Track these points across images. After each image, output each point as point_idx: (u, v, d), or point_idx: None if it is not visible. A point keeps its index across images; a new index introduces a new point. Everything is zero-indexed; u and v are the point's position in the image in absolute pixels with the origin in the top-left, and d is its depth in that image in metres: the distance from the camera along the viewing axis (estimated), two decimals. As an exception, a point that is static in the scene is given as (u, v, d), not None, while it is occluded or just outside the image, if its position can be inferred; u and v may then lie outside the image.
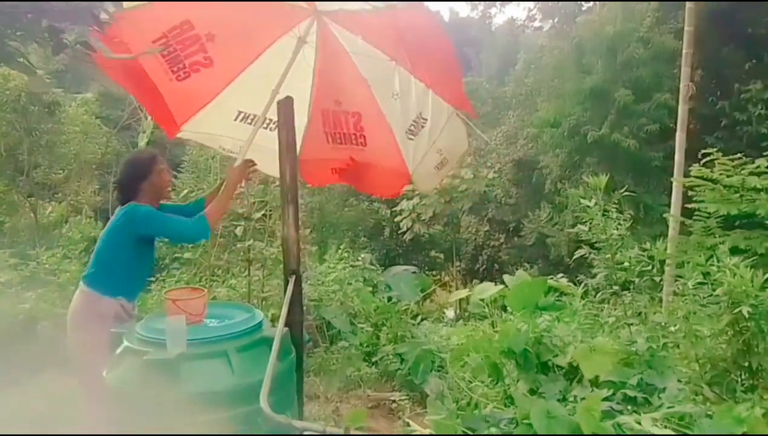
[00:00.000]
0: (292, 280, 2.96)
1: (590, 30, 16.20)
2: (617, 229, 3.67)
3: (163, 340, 2.23)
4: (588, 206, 3.58)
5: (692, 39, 7.40)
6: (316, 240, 13.01)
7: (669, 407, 2.72)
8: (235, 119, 3.87)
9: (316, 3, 3.51)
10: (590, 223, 3.59)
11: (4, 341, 4.88)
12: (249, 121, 3.82)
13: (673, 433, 2.13)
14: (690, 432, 2.21)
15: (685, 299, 4.64)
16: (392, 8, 3.37)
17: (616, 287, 3.81)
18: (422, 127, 3.84)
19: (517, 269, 14.79)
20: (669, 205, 9.35)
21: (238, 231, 6.28)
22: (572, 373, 3.91)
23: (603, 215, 3.60)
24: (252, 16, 3.41)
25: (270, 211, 6.42)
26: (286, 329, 2.63)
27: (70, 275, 6.04)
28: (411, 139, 3.93)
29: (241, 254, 6.40)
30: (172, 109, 3.66)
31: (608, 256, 3.69)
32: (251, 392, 2.12)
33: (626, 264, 3.86)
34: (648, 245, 3.88)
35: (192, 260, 6.54)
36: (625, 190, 3.67)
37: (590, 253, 3.83)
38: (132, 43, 3.15)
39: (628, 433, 2.06)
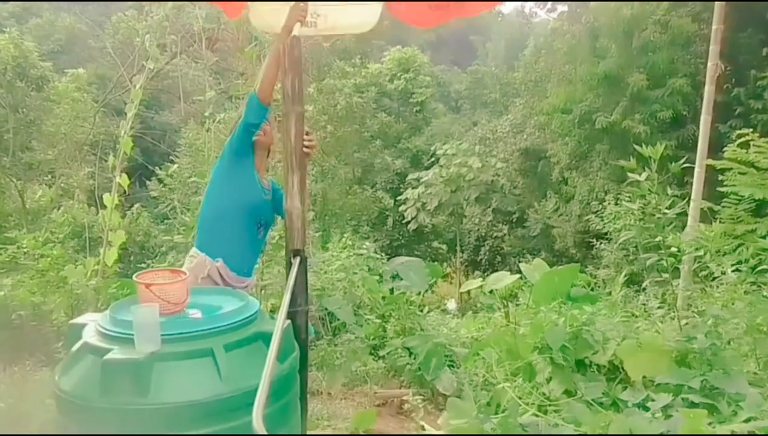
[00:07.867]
0: (296, 262, 2.42)
1: (605, 13, 15.72)
2: (669, 208, 3.19)
3: (131, 335, 1.73)
4: (638, 181, 3.08)
5: (722, 14, 6.82)
6: (318, 228, 12.59)
7: (748, 420, 2.25)
8: None
9: None
10: (642, 199, 3.08)
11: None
12: None
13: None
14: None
15: (725, 289, 4.16)
16: None
17: (665, 275, 3.32)
18: None
19: (519, 261, 14.46)
20: (678, 195, 8.90)
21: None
22: (613, 372, 3.49)
23: (654, 193, 3.11)
24: None
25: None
26: (288, 321, 2.11)
27: (51, 259, 5.53)
28: None
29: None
30: None
31: (658, 239, 3.20)
32: (243, 402, 1.63)
33: (675, 249, 3.39)
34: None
35: (184, 244, 6.04)
36: (684, 163, 3.14)
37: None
38: None
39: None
